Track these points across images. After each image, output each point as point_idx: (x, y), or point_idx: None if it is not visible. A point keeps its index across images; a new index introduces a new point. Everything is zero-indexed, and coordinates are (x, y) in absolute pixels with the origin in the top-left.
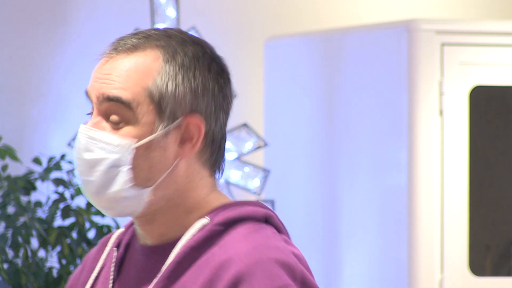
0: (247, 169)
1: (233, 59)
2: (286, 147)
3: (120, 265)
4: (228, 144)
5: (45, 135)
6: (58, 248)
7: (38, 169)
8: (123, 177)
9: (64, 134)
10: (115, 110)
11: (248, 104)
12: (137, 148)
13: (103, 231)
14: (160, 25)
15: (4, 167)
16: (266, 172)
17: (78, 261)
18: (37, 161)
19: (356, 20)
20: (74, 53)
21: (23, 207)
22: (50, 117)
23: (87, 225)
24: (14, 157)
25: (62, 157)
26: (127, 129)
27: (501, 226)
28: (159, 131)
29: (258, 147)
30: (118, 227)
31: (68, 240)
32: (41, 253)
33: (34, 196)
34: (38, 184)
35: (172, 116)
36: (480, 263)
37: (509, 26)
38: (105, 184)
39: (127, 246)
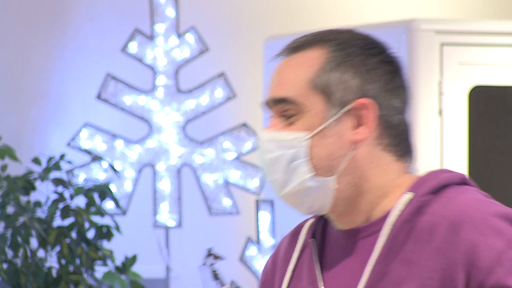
0: (246, 169)
1: (233, 59)
2: None
3: (320, 254)
4: (227, 144)
5: (45, 135)
6: (58, 248)
7: (37, 169)
8: (302, 168)
9: (64, 134)
10: (286, 108)
11: (247, 104)
12: (311, 139)
13: (103, 231)
14: (160, 25)
15: (4, 167)
16: None
17: (77, 261)
18: (36, 161)
19: (356, 20)
20: (74, 53)
21: (23, 207)
22: (49, 117)
23: (87, 225)
24: (14, 157)
25: (62, 157)
26: (299, 123)
27: None
28: (330, 118)
29: (258, 147)
30: (117, 227)
31: (67, 240)
32: (41, 253)
33: (34, 196)
34: (38, 184)
35: (342, 102)
36: None
37: (509, 26)
38: (288, 180)
39: (322, 235)
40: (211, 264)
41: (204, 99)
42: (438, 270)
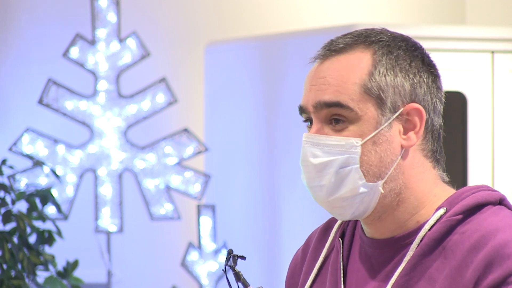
0: (187, 174)
1: (174, 64)
2: (227, 152)
3: (347, 255)
4: (169, 149)
5: None
6: None
7: None
8: (354, 175)
9: (5, 139)
10: (336, 112)
11: (188, 109)
12: (364, 145)
13: (44, 236)
14: (101, 30)
15: None
16: (206, 177)
17: (19, 266)
18: None
19: (297, 25)
20: (15, 58)
21: None
22: None
23: (28, 230)
24: None
25: (3, 162)
26: (351, 128)
27: None
28: (383, 124)
29: (199, 152)
30: (59, 232)
31: (9, 245)
32: None
33: None
34: None
35: (393, 107)
36: None
37: (451, 31)
38: (337, 186)
39: (351, 236)
40: (233, 266)
41: (145, 104)
42: None
